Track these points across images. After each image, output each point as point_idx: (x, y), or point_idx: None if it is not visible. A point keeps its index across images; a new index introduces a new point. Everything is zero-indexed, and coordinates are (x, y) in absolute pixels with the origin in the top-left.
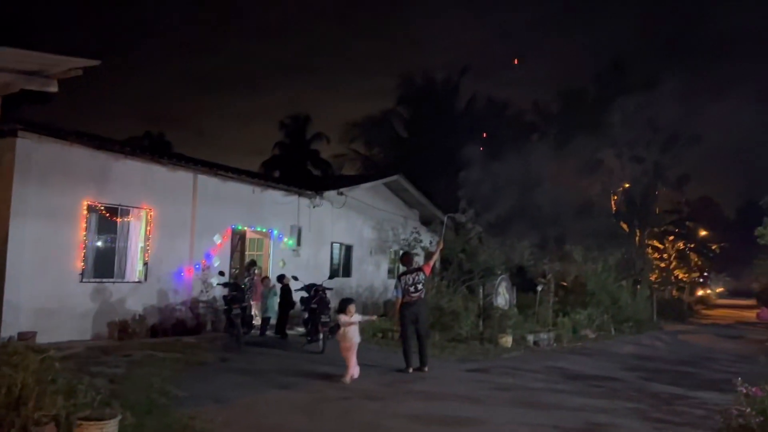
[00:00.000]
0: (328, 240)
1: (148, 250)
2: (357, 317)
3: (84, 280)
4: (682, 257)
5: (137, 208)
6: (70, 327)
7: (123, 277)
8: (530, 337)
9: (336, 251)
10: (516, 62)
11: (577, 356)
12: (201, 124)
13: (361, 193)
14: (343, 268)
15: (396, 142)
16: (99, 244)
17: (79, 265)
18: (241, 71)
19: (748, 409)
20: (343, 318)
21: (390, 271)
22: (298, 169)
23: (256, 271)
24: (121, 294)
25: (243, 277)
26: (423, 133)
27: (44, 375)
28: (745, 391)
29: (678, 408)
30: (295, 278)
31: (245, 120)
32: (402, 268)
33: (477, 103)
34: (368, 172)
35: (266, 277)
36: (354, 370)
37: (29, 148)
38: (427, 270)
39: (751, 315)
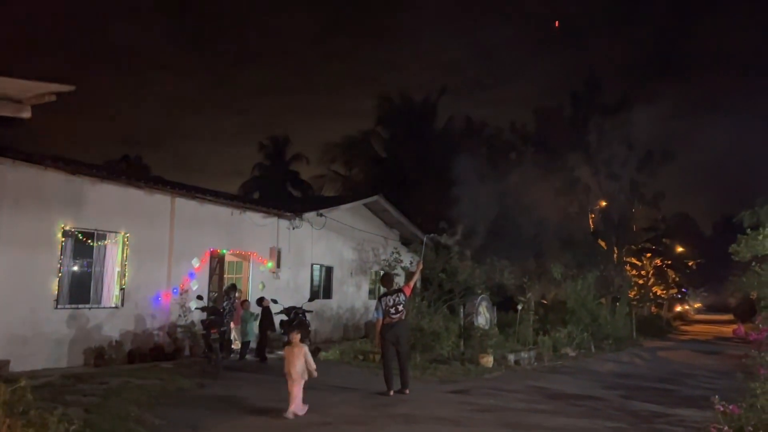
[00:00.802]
0: (308, 262)
1: (125, 274)
2: (304, 349)
3: (59, 306)
4: (659, 274)
5: (114, 232)
6: (45, 354)
7: (99, 302)
8: (511, 357)
9: (316, 273)
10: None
11: (557, 375)
12: (179, 146)
13: (340, 214)
14: (323, 289)
15: (375, 162)
16: (75, 269)
17: (54, 290)
18: (220, 93)
19: (726, 427)
20: (286, 351)
21: (371, 292)
22: (278, 191)
23: (236, 295)
24: (97, 320)
25: (223, 300)
26: (402, 153)
27: (15, 407)
28: (722, 408)
29: (658, 426)
30: (275, 301)
31: (224, 142)
32: (383, 289)
33: (455, 123)
34: (348, 192)
35: (245, 301)
36: (297, 405)
37: (3, 172)
38: (408, 291)
39: (728, 330)
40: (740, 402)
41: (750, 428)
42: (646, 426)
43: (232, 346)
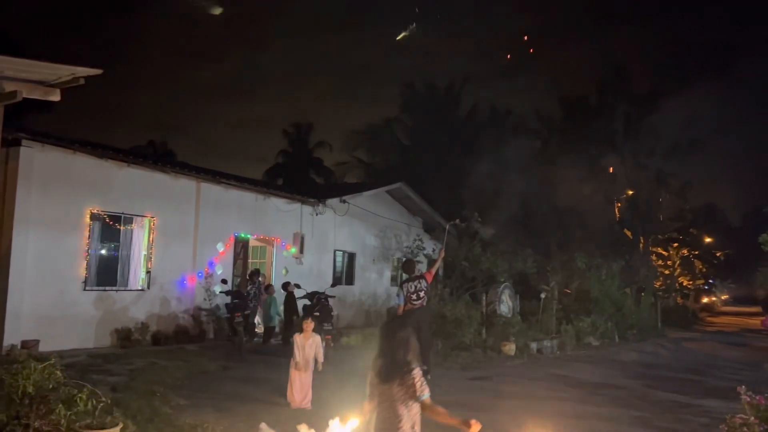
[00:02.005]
0: (330, 248)
1: (151, 258)
2: (316, 339)
3: (87, 288)
4: (686, 264)
5: (140, 216)
6: (73, 335)
7: (126, 285)
8: (533, 345)
9: (339, 259)
10: (509, 58)
11: (580, 364)
12: (204, 132)
13: (363, 200)
14: (345, 275)
15: (399, 150)
16: (102, 252)
17: (82, 273)
18: (245, 79)
19: (752, 418)
20: (297, 339)
21: (393, 279)
22: (302, 177)
23: (260, 280)
24: (123, 302)
25: (247, 285)
26: (426, 141)
27: (45, 384)
28: (748, 399)
29: (682, 416)
30: (298, 286)
31: (249, 128)
32: (404, 276)
33: (480, 110)
34: (371, 179)
35: (270, 285)
36: (297, 395)
37: (33, 156)
38: (429, 277)
39: (756, 322)
40: (767, 393)
41: None
42: (670, 416)
43: (256, 330)
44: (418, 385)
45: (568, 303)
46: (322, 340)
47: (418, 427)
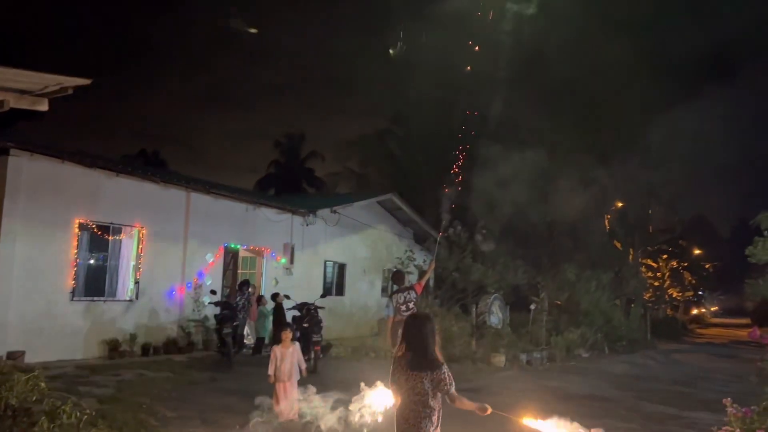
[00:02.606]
0: (321, 258)
1: (139, 268)
2: (296, 347)
3: (75, 298)
4: (675, 276)
5: (129, 226)
6: (60, 346)
7: (114, 295)
8: (523, 357)
9: (329, 269)
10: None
11: (570, 375)
12: (196, 142)
13: (354, 211)
14: (336, 286)
15: (390, 161)
16: (90, 262)
17: (70, 283)
18: (237, 89)
19: (737, 430)
20: (275, 350)
21: (383, 290)
22: (293, 188)
23: (250, 291)
24: (112, 312)
25: (236, 296)
26: (417, 152)
27: (29, 396)
28: (734, 411)
29: (670, 428)
30: (287, 297)
31: (240, 138)
32: (394, 287)
33: (471, 121)
34: (362, 190)
35: (262, 296)
36: (285, 407)
37: (21, 165)
38: (419, 288)
39: (745, 334)
40: (754, 406)
41: (762, 431)
42: (658, 428)
43: (245, 341)
44: (448, 380)
45: (558, 314)
46: (311, 350)
47: (439, 415)
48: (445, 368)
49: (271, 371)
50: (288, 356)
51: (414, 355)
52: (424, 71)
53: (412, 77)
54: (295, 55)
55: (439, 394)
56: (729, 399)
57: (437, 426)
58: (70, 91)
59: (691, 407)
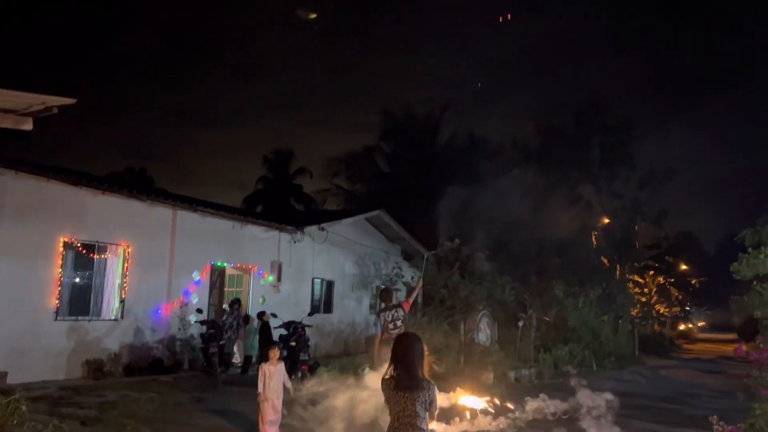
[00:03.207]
0: (309, 276)
1: (125, 287)
2: (282, 366)
3: (59, 318)
4: (662, 292)
5: (115, 244)
6: (44, 366)
7: (99, 314)
8: (511, 374)
9: (317, 287)
10: (480, 86)
11: (557, 392)
12: (183, 159)
13: (342, 228)
14: (324, 304)
15: (378, 177)
16: (75, 281)
17: (54, 302)
18: (224, 106)
19: None
20: (264, 367)
21: (372, 307)
22: (281, 204)
23: (240, 310)
24: (96, 332)
25: (223, 314)
26: (405, 168)
27: (10, 419)
28: (720, 429)
29: None
30: (274, 315)
31: (228, 155)
32: (382, 305)
33: (458, 138)
34: (351, 207)
35: (248, 315)
36: (270, 425)
37: (5, 184)
38: (407, 306)
39: (731, 349)
40: (740, 422)
41: None
42: None
43: (233, 360)
44: (437, 401)
45: (546, 331)
46: (299, 369)
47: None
48: (434, 388)
49: (260, 389)
50: (276, 374)
51: (401, 375)
52: (411, 89)
53: (401, 95)
54: (282, 71)
55: (425, 413)
56: (715, 417)
57: None
58: (55, 110)
59: (678, 424)
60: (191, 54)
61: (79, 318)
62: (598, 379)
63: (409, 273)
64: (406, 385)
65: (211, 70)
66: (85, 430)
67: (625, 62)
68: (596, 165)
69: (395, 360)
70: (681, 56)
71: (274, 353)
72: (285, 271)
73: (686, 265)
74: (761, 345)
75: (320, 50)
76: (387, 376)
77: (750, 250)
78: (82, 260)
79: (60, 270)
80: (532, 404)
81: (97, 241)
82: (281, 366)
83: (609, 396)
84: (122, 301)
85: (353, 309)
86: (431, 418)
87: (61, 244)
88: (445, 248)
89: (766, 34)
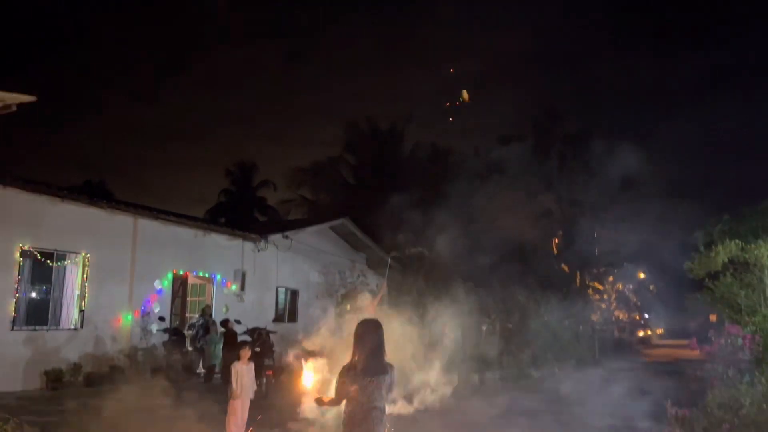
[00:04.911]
0: (273, 285)
1: (85, 296)
2: (251, 365)
3: (15, 327)
4: (621, 298)
5: (74, 252)
6: (0, 377)
7: (58, 324)
8: (476, 377)
9: (281, 296)
10: (448, 105)
11: (520, 393)
12: (143, 173)
13: (307, 236)
14: (288, 312)
15: (343, 188)
16: (33, 290)
17: (11, 312)
18: (185, 120)
19: (677, 429)
20: (236, 366)
21: (337, 315)
22: (245, 216)
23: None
24: (55, 342)
25: (186, 323)
26: (369, 179)
27: None
28: (675, 413)
29: None
30: (238, 322)
31: (189, 169)
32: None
33: (421, 149)
34: (315, 217)
35: (213, 323)
36: (237, 429)
37: None
38: (372, 310)
39: (688, 353)
40: (693, 408)
41: (702, 429)
42: None
43: (198, 371)
44: (395, 383)
45: (509, 335)
46: (263, 375)
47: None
48: (395, 371)
49: (235, 385)
50: (247, 373)
51: (368, 360)
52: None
53: (365, 109)
54: (244, 86)
55: (385, 395)
56: (669, 401)
57: (387, 427)
58: (14, 108)
59: (638, 418)
60: (150, 68)
61: (37, 327)
62: (560, 380)
63: (374, 280)
64: (374, 370)
65: (168, 83)
66: None
67: (585, 75)
68: (555, 173)
69: (359, 346)
70: (639, 67)
71: (245, 353)
72: (249, 280)
73: (644, 272)
74: (713, 338)
75: (280, 66)
76: (353, 361)
77: (702, 250)
78: (41, 269)
79: (17, 279)
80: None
81: (56, 250)
82: (252, 366)
83: (565, 393)
84: (82, 311)
85: (318, 318)
86: (389, 399)
87: (18, 252)
88: (408, 254)
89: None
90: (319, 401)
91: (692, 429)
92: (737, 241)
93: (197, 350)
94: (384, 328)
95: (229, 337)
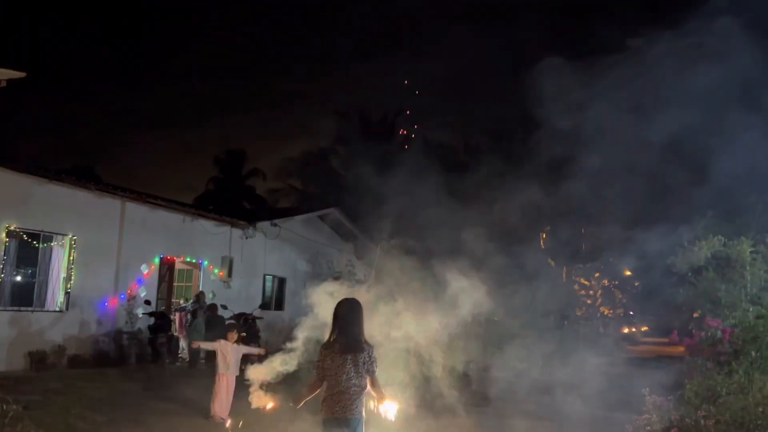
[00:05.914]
0: (260, 272)
1: (71, 278)
2: (242, 348)
3: (0, 308)
4: (607, 294)
5: (61, 234)
6: None
7: (43, 306)
8: (460, 368)
9: (269, 283)
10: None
11: (505, 384)
12: (131, 159)
13: (295, 225)
14: (275, 300)
15: (333, 178)
16: (18, 271)
17: None
18: (174, 108)
19: (654, 416)
20: (221, 343)
21: None
22: (233, 205)
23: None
24: (40, 323)
25: (173, 307)
26: (359, 170)
27: None
28: (653, 400)
29: (596, 427)
30: (225, 307)
31: (178, 156)
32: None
33: (412, 142)
34: (304, 206)
35: (198, 308)
36: (221, 408)
37: None
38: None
39: (672, 350)
40: (671, 397)
41: (677, 417)
42: (585, 428)
43: (180, 355)
44: (376, 361)
45: (496, 329)
46: (249, 361)
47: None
48: (373, 349)
49: (219, 361)
50: (232, 352)
51: (347, 338)
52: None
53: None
54: (234, 75)
55: (365, 374)
56: (647, 389)
57: (364, 405)
58: (4, 84)
59: (617, 409)
60: (140, 55)
61: (22, 308)
62: (543, 373)
63: (362, 270)
64: (352, 347)
65: (160, 70)
66: (29, 413)
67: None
68: (543, 167)
69: (338, 324)
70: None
71: (232, 335)
72: (236, 267)
73: (629, 269)
74: (693, 331)
75: (272, 55)
76: (331, 339)
77: (686, 244)
78: (27, 249)
79: (2, 259)
80: None
81: (42, 231)
82: (238, 348)
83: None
84: (67, 293)
85: (305, 306)
86: (371, 377)
87: (4, 233)
88: (396, 245)
89: None
90: (297, 400)
91: (669, 415)
92: (720, 236)
93: (185, 333)
94: (368, 313)
95: (216, 321)
